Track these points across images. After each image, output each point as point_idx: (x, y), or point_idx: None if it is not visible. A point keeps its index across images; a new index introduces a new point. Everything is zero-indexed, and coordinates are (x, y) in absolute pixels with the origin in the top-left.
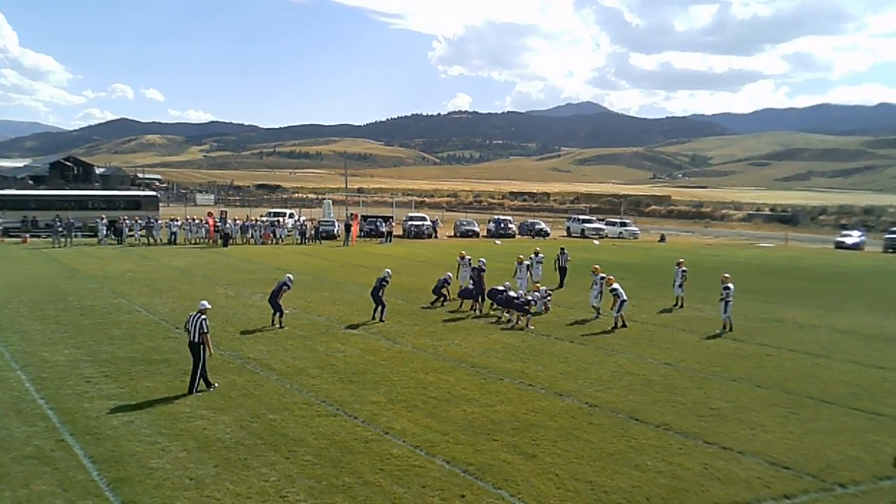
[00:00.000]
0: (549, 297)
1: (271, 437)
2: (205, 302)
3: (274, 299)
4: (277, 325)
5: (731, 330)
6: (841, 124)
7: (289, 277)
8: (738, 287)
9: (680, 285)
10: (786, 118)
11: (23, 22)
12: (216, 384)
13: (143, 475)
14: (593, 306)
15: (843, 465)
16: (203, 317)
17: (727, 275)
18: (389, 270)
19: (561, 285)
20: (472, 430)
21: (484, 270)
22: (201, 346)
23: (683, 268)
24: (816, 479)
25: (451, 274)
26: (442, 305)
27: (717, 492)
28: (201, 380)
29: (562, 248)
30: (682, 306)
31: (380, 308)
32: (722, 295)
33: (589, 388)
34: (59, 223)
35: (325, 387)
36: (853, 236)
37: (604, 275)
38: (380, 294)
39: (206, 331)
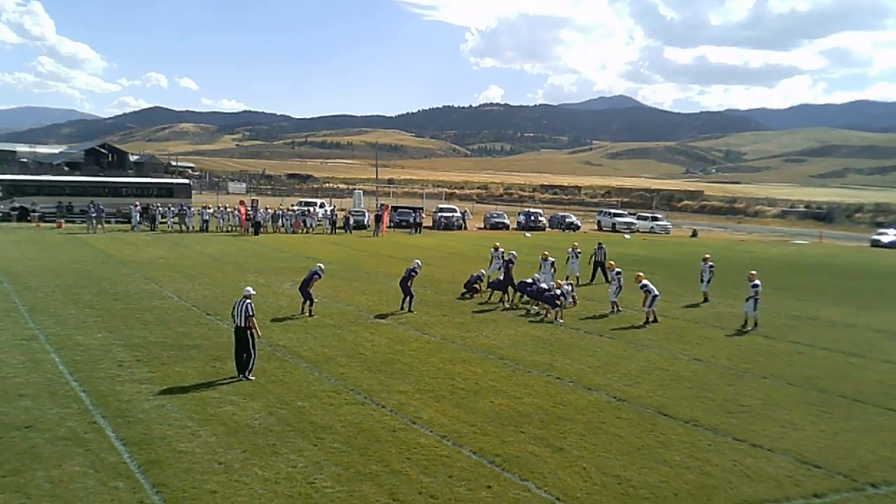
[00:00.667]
0: (573, 292)
1: (300, 424)
2: (249, 288)
3: (305, 288)
4: (307, 314)
5: (756, 326)
6: (879, 121)
7: (320, 267)
8: (772, 284)
9: (707, 281)
10: (823, 114)
11: (60, 10)
12: (253, 377)
13: (173, 458)
14: (612, 301)
15: (876, 465)
16: (248, 301)
17: (754, 272)
18: (419, 261)
19: (592, 280)
20: (500, 422)
21: (513, 263)
22: (249, 331)
23: (710, 263)
24: (848, 478)
25: (483, 271)
26: (471, 297)
27: (746, 489)
28: (237, 367)
29: (599, 244)
30: (706, 301)
31: (408, 298)
32: (750, 293)
33: (617, 382)
34: (92, 209)
35: (353, 375)
36: (889, 234)
37: (619, 269)
38: (408, 284)
39: (251, 314)
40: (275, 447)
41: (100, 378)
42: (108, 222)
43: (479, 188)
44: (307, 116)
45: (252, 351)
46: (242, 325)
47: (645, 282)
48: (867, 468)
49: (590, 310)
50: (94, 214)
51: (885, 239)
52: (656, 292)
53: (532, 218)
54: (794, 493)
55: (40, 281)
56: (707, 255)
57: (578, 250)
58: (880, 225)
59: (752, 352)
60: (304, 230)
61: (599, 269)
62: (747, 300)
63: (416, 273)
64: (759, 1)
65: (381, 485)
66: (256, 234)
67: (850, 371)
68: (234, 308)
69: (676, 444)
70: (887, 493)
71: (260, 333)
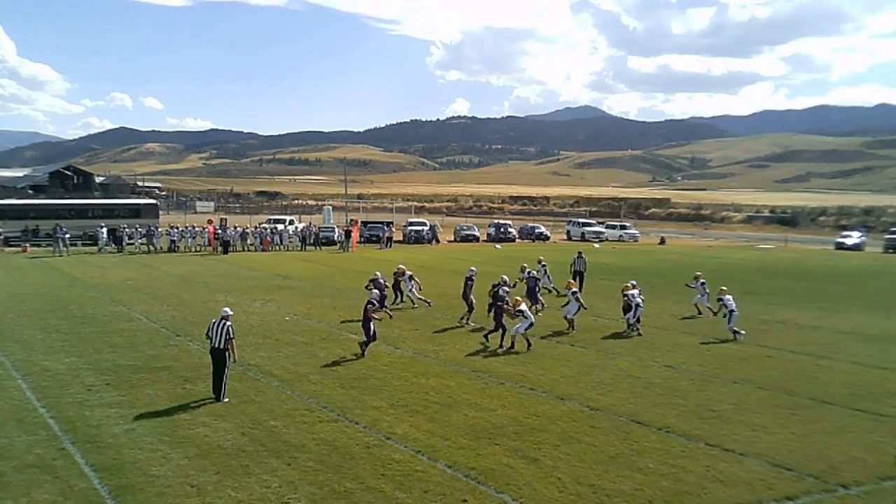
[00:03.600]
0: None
1: (273, 444)
2: (227, 309)
3: (366, 324)
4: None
5: (737, 335)
6: (840, 125)
7: (374, 293)
8: (740, 288)
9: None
10: (785, 120)
11: (20, 32)
12: (226, 399)
13: (145, 483)
14: (566, 318)
15: (846, 466)
16: (228, 323)
17: (724, 287)
18: (475, 269)
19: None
20: (474, 435)
21: (472, 280)
22: (226, 352)
23: (702, 280)
24: (819, 480)
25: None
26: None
27: (720, 494)
28: (214, 389)
29: (579, 252)
30: (714, 314)
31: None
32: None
33: (590, 391)
34: (59, 231)
35: (326, 393)
36: (853, 237)
37: (576, 289)
38: (468, 293)
39: (232, 336)
40: (248, 468)
41: (68, 403)
42: (74, 245)
43: (448, 201)
44: (275, 133)
45: (224, 373)
46: (221, 346)
47: (573, 288)
48: (837, 469)
49: (561, 320)
50: (60, 237)
51: (849, 241)
52: (571, 314)
53: (502, 229)
54: (767, 497)
55: (6, 306)
56: (698, 273)
57: (544, 262)
58: (844, 228)
59: (722, 357)
60: (274, 248)
61: (579, 278)
62: (724, 316)
63: (472, 280)
64: (720, 9)
65: (356, 502)
66: (225, 252)
67: (818, 373)
68: (210, 329)
69: (650, 451)
70: (858, 493)
71: (237, 358)
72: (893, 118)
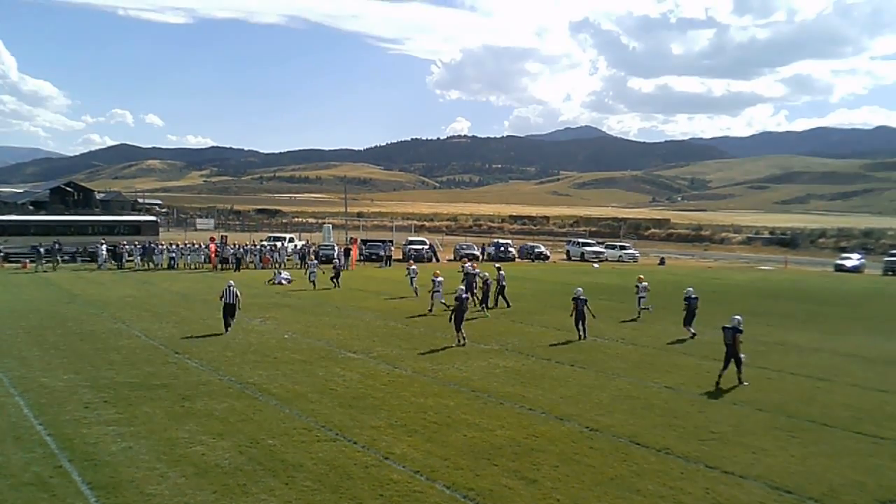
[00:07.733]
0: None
1: (270, 463)
2: (231, 282)
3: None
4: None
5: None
6: (840, 147)
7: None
8: (739, 310)
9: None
10: (784, 141)
11: (21, 48)
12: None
13: (142, 502)
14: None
15: (846, 489)
16: (236, 289)
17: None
18: (581, 289)
19: (508, 305)
20: (473, 455)
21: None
22: (237, 305)
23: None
24: (819, 503)
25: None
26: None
27: None
28: (226, 326)
29: (498, 268)
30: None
31: (583, 328)
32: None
33: (590, 412)
34: (43, 247)
35: (324, 412)
36: (853, 259)
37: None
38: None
39: (240, 296)
40: (245, 487)
41: (66, 421)
42: (74, 261)
43: (448, 220)
44: (275, 151)
45: (236, 315)
46: (233, 302)
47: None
48: (837, 492)
49: (558, 339)
50: (43, 252)
51: (848, 263)
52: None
53: (502, 248)
54: None
55: (4, 322)
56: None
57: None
58: (843, 250)
59: (722, 378)
60: (273, 266)
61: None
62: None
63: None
64: (720, 31)
65: None
66: (237, 269)
67: (817, 395)
68: (224, 294)
69: (649, 473)
70: None
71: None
72: (893, 140)
